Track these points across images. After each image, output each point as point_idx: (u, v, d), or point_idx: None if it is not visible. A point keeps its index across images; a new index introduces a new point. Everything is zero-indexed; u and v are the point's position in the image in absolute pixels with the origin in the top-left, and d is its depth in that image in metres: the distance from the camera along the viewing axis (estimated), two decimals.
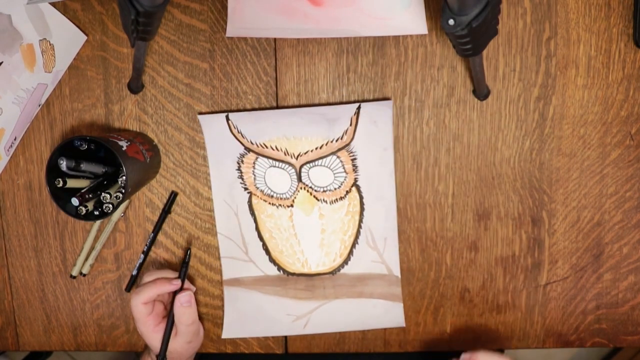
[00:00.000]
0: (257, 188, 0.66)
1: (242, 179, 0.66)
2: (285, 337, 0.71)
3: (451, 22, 0.48)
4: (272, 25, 0.63)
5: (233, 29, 0.64)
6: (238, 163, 0.66)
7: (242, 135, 0.64)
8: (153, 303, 0.64)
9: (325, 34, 0.63)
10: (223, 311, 0.69)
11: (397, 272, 0.67)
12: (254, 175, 0.66)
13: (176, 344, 0.64)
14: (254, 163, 0.65)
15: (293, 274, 0.68)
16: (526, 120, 0.65)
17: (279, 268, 0.68)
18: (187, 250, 0.66)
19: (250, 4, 0.63)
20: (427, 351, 0.71)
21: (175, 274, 0.65)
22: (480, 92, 0.63)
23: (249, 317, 0.68)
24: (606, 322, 0.68)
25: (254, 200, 0.67)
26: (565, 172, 0.66)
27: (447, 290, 0.68)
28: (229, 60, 0.65)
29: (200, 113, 0.66)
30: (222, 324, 0.70)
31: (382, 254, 0.67)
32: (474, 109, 0.65)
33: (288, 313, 0.68)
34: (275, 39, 0.65)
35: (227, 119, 0.64)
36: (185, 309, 0.63)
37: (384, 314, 0.68)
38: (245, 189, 0.67)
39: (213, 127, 0.65)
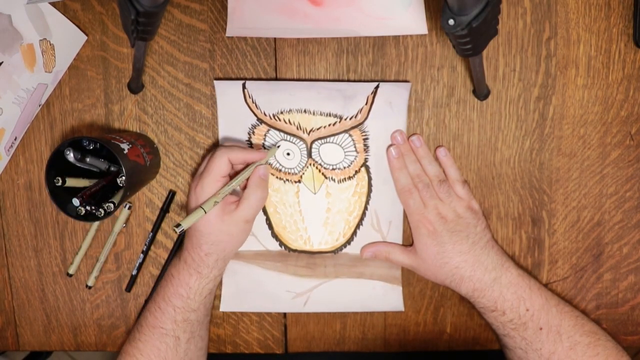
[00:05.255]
0: (266, 161, 0.66)
1: None
2: (286, 337, 0.71)
3: (451, 22, 0.48)
4: (272, 25, 0.63)
5: (233, 29, 0.64)
6: (249, 134, 0.65)
7: (256, 105, 0.64)
8: (231, 167, 0.60)
9: (325, 34, 0.63)
10: (221, 286, 0.69)
11: None
12: (264, 147, 0.65)
13: (233, 220, 0.59)
14: (265, 135, 0.65)
15: (294, 250, 0.68)
16: (526, 120, 0.65)
17: (281, 244, 0.68)
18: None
19: (250, 4, 0.63)
20: (427, 351, 0.71)
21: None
22: (480, 92, 0.63)
23: (248, 291, 0.68)
24: (606, 322, 0.68)
25: None
26: (565, 172, 0.66)
27: (447, 290, 0.68)
28: (229, 60, 0.65)
29: (217, 78, 0.65)
30: (222, 322, 0.70)
31: (385, 237, 0.67)
32: (474, 109, 0.65)
33: (288, 290, 0.68)
34: (275, 39, 0.65)
35: (244, 87, 0.64)
36: (262, 180, 0.61)
37: (382, 296, 0.68)
38: None
39: (228, 94, 0.65)
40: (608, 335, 0.62)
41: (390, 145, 0.64)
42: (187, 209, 0.64)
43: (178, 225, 0.54)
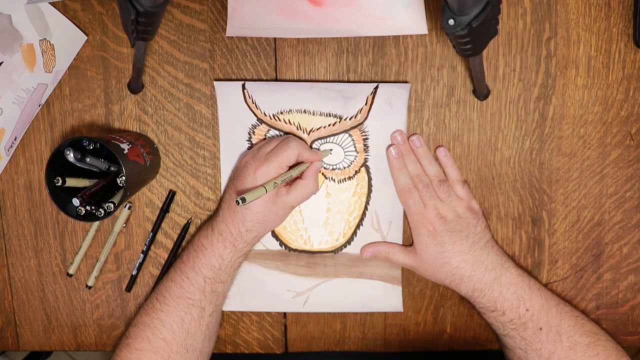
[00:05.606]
0: None
1: None
2: (286, 337, 0.71)
3: (451, 22, 0.48)
4: (272, 25, 0.63)
5: (233, 29, 0.64)
6: (249, 134, 0.65)
7: (255, 105, 0.64)
8: (295, 160, 0.61)
9: (325, 34, 0.63)
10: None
11: None
12: None
13: (281, 203, 0.61)
14: (265, 135, 0.65)
15: (295, 250, 0.68)
16: (526, 120, 0.65)
17: (281, 243, 0.68)
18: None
19: (250, 4, 0.63)
20: (427, 351, 0.71)
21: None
22: (480, 92, 0.63)
23: (249, 290, 0.68)
24: (606, 322, 0.68)
25: None
26: (565, 172, 0.66)
27: (447, 290, 0.68)
28: (229, 60, 0.65)
29: (217, 79, 0.65)
30: (222, 322, 0.70)
31: (385, 237, 0.67)
32: (474, 109, 0.65)
33: (288, 289, 0.68)
34: (275, 39, 0.65)
35: (243, 87, 0.64)
36: (317, 174, 0.63)
37: (382, 296, 0.68)
38: None
39: (228, 95, 0.65)
40: (608, 335, 0.62)
41: (390, 145, 0.65)
42: (232, 184, 0.63)
43: (243, 199, 0.54)
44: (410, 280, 0.68)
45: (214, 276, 0.62)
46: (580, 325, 0.61)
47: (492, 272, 0.62)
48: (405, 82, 0.64)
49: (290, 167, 0.61)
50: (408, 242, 0.67)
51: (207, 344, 0.64)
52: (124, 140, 0.60)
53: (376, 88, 0.63)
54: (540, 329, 0.60)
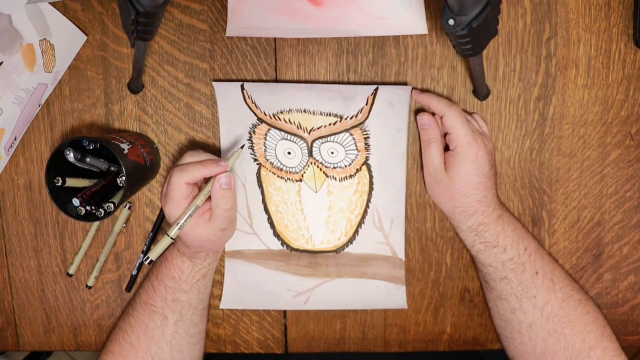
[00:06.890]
0: (267, 160, 0.66)
1: (253, 150, 0.66)
2: (286, 337, 0.71)
3: (451, 22, 0.48)
4: (272, 25, 0.63)
5: (233, 29, 0.64)
6: (250, 133, 0.65)
7: (255, 105, 0.64)
8: (193, 186, 0.58)
9: (325, 34, 0.63)
10: (222, 285, 0.69)
11: (401, 254, 0.67)
12: (265, 146, 0.65)
13: (209, 231, 0.59)
14: (265, 134, 0.65)
15: (296, 250, 0.68)
16: (526, 120, 0.65)
17: (283, 243, 0.68)
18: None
19: (250, 4, 0.63)
20: (427, 351, 0.71)
21: (219, 159, 0.59)
22: (480, 92, 0.63)
23: (249, 289, 0.68)
24: None
25: (263, 172, 0.66)
26: (565, 172, 0.66)
27: (447, 290, 0.68)
28: (229, 60, 0.65)
29: (217, 79, 0.65)
30: (222, 322, 0.70)
31: (387, 235, 0.67)
32: (474, 109, 0.65)
33: (289, 289, 0.68)
34: (275, 39, 0.65)
35: (242, 88, 0.64)
36: (224, 191, 0.57)
37: (385, 295, 0.68)
38: (255, 159, 0.66)
39: (227, 95, 0.65)
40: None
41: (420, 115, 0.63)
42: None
43: (148, 258, 0.57)
44: (410, 280, 0.68)
45: (174, 286, 0.62)
46: (570, 280, 0.63)
47: (498, 210, 0.62)
48: (405, 84, 0.64)
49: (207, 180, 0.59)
50: (409, 242, 0.67)
51: (179, 357, 0.64)
52: (124, 140, 0.60)
53: (376, 89, 0.63)
54: (537, 273, 0.61)
